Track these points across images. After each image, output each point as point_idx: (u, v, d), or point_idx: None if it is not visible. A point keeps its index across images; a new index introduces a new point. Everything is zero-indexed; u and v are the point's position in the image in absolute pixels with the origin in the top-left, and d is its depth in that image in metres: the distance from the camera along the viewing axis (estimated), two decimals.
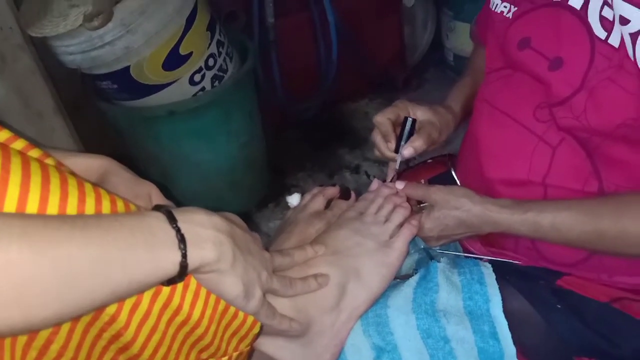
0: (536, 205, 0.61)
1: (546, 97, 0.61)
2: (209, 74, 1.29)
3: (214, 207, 0.49)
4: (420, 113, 0.75)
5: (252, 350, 0.57)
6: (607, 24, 0.56)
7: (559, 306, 0.61)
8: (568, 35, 0.59)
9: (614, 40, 0.55)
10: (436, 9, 2.08)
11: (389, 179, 0.75)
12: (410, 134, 0.73)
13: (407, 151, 0.71)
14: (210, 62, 1.28)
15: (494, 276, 0.62)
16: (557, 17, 0.60)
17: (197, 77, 1.27)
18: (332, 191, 0.74)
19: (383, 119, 0.74)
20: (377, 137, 0.75)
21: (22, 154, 0.41)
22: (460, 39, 1.96)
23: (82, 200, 0.41)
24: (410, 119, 0.73)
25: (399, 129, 0.74)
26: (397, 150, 0.73)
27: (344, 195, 0.74)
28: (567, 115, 0.59)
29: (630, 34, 0.52)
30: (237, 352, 0.53)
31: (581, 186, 0.61)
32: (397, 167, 0.74)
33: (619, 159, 0.59)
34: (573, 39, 0.58)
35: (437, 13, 2.09)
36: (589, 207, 0.59)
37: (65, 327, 0.42)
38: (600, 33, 0.56)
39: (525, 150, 0.64)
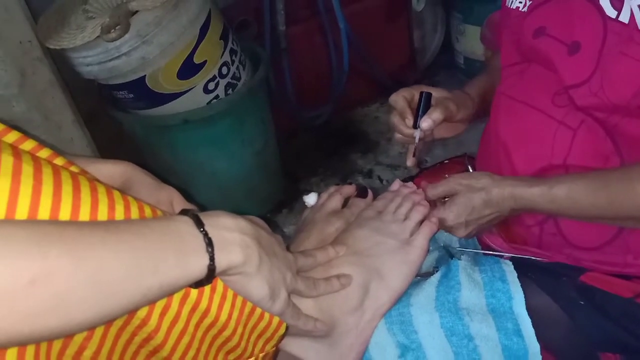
0: (554, 178, 0.63)
1: (564, 81, 0.63)
2: (223, 82, 1.31)
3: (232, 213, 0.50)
4: (435, 92, 0.76)
5: (277, 351, 0.58)
6: (616, 4, 0.59)
7: (582, 302, 0.61)
8: (581, 19, 0.62)
9: (624, 17, 0.58)
10: (445, 13, 2.09)
11: (409, 156, 0.76)
12: (427, 108, 0.73)
13: (426, 123, 0.72)
14: (224, 70, 1.30)
15: (515, 273, 0.62)
16: (570, 4, 0.63)
17: (211, 86, 1.29)
18: (349, 189, 0.75)
19: (397, 97, 0.75)
20: (394, 118, 0.76)
21: (51, 163, 0.42)
22: (470, 41, 1.96)
23: (111, 207, 0.42)
24: (425, 93, 0.74)
25: (415, 110, 0.75)
26: (415, 126, 0.73)
27: (361, 193, 0.74)
28: (586, 93, 0.61)
29: (639, 6, 0.56)
30: (263, 353, 0.54)
31: (603, 164, 0.63)
32: (416, 141, 0.74)
33: (638, 135, 0.60)
34: (586, 22, 0.61)
35: (446, 16, 2.09)
36: (601, 174, 0.61)
37: (98, 333, 0.43)
38: (611, 13, 0.59)
39: (547, 135, 0.65)
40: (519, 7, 0.71)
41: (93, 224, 0.39)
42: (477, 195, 0.66)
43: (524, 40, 0.69)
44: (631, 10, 0.57)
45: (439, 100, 0.75)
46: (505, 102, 0.71)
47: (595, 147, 0.63)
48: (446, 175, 0.75)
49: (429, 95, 0.74)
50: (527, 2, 0.70)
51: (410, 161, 0.76)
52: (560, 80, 0.64)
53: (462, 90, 0.81)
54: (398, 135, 0.77)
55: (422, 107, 0.73)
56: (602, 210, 0.61)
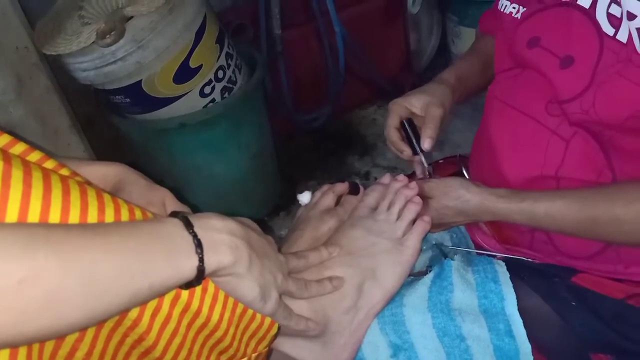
0: (532, 195, 0.62)
1: (556, 94, 0.62)
2: (219, 86, 1.31)
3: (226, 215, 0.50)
4: (415, 100, 0.77)
5: (270, 351, 0.58)
6: (614, 21, 0.57)
7: (574, 303, 0.62)
8: (577, 34, 0.60)
9: (622, 36, 0.56)
10: (441, 15, 2.10)
11: (420, 173, 0.77)
12: (415, 131, 0.74)
13: (427, 144, 0.73)
14: (220, 74, 1.31)
15: (507, 275, 0.62)
16: (566, 16, 0.61)
17: (207, 89, 1.29)
18: (342, 187, 0.75)
19: (389, 130, 0.76)
20: (394, 150, 0.78)
21: (41, 167, 0.42)
22: (466, 44, 1.97)
23: (101, 210, 0.42)
24: (405, 122, 0.75)
25: (406, 138, 0.76)
26: (415, 153, 0.75)
27: (353, 190, 0.74)
28: (577, 111, 0.60)
29: (637, 29, 0.54)
30: (256, 354, 0.54)
31: (595, 177, 0.62)
32: (425, 164, 0.75)
33: (631, 150, 0.59)
34: (582, 37, 0.60)
35: (442, 19, 2.10)
36: (583, 195, 0.60)
37: (90, 334, 0.43)
38: (609, 30, 0.57)
39: (540, 144, 0.65)
40: (512, 12, 0.70)
41: (82, 226, 0.40)
42: (450, 205, 0.67)
43: (518, 47, 0.68)
44: (629, 30, 0.55)
45: (424, 108, 0.75)
46: (498, 106, 0.71)
47: (588, 159, 0.62)
48: (418, 176, 0.76)
49: (410, 121, 0.75)
50: (521, 8, 0.69)
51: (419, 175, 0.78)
52: (554, 90, 0.63)
53: (435, 80, 0.81)
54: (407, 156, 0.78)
55: (410, 134, 0.75)
56: (584, 231, 0.60)
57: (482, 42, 0.86)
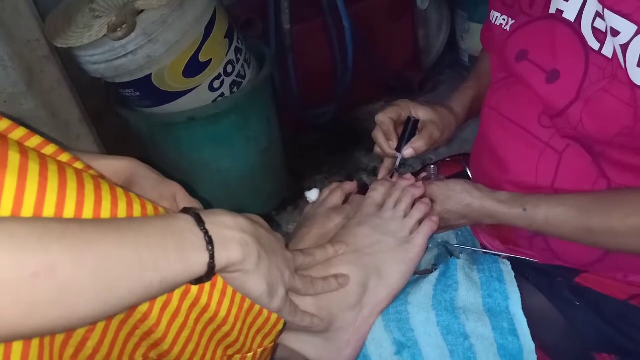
0: (533, 200, 0.62)
1: (546, 107, 0.62)
2: (228, 80, 1.32)
3: (234, 210, 0.50)
4: (422, 113, 0.76)
5: (276, 346, 0.59)
6: (600, 36, 0.56)
7: (578, 303, 0.62)
8: (563, 48, 0.59)
9: (607, 51, 0.55)
10: (450, 11, 2.09)
11: (383, 172, 0.77)
12: (412, 134, 0.74)
13: (408, 152, 0.73)
14: (229, 68, 1.31)
15: (512, 274, 0.62)
16: (553, 29, 0.61)
17: (216, 84, 1.30)
18: (350, 186, 0.75)
19: (384, 118, 0.75)
20: (378, 134, 0.76)
21: (57, 160, 0.43)
22: (475, 40, 1.96)
23: (114, 204, 0.43)
24: (413, 119, 0.74)
25: (401, 127, 0.75)
26: (398, 149, 0.74)
27: (362, 190, 0.75)
28: (566, 127, 0.60)
29: (621, 45, 0.52)
30: (262, 349, 0.55)
31: (590, 187, 0.62)
32: (397, 166, 0.75)
33: (624, 162, 0.59)
34: (568, 51, 0.59)
35: (451, 15, 2.09)
36: (581, 203, 0.60)
37: (100, 325, 0.44)
38: (594, 44, 0.56)
39: (532, 157, 0.65)
40: (502, 24, 0.70)
41: (96, 221, 0.40)
42: (452, 209, 0.67)
43: (508, 60, 0.68)
44: (614, 45, 0.54)
45: (425, 125, 0.75)
46: (495, 117, 0.70)
47: (582, 171, 0.62)
48: (424, 174, 0.76)
49: (417, 122, 0.74)
50: (510, 20, 0.69)
51: (381, 176, 0.77)
52: (543, 103, 0.63)
53: (446, 105, 0.80)
54: (378, 150, 0.77)
55: (407, 133, 0.74)
56: (581, 238, 0.61)
57: (486, 62, 0.84)
